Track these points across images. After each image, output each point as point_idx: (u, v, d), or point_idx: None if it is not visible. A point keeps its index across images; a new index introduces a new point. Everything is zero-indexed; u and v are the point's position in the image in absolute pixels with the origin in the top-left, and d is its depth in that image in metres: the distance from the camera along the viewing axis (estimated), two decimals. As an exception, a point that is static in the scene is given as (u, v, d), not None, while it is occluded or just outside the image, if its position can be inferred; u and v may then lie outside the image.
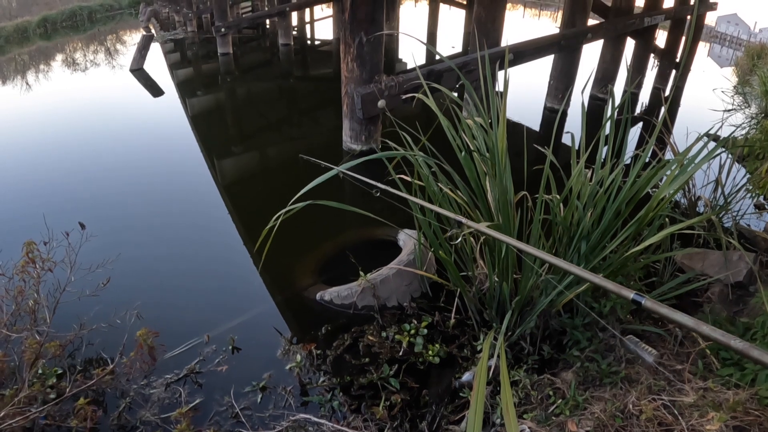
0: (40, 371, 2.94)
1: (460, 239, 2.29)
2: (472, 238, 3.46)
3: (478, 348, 3.21)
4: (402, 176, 3.19)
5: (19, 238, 3.08)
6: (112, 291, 3.33)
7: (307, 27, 20.23)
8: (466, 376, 3.02)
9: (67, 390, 2.81)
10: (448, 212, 2.27)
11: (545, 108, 9.14)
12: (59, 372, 3.03)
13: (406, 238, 4.11)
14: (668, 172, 2.99)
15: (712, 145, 3.11)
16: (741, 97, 9.44)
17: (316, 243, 4.59)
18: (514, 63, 7.22)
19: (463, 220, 2.10)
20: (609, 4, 9.45)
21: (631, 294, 1.44)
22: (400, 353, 3.27)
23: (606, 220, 2.97)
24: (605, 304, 3.03)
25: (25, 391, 2.67)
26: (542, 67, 9.05)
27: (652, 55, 10.79)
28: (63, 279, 3.06)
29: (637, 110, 9.56)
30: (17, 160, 7.13)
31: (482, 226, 2.10)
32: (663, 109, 3.30)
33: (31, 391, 2.71)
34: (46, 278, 3.06)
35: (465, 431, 2.59)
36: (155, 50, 15.02)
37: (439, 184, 3.28)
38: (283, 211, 2.73)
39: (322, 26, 20.20)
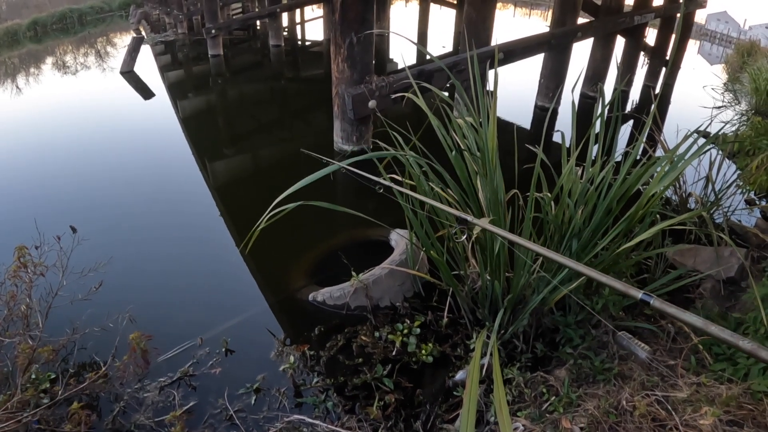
0: (33, 376, 2.92)
1: (464, 237, 2.18)
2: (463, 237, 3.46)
3: (471, 347, 3.21)
4: (393, 176, 3.19)
5: (10, 243, 3.06)
6: (104, 294, 3.30)
7: (298, 28, 20.22)
8: (459, 375, 3.02)
9: (60, 393, 2.79)
10: (452, 209, 2.15)
11: (536, 107, 9.17)
12: (52, 377, 3.01)
13: (398, 238, 4.11)
14: (658, 169, 3.01)
15: (702, 141, 3.13)
16: (731, 94, 9.51)
17: (309, 244, 4.58)
18: (504, 62, 7.24)
19: (470, 218, 1.98)
20: (599, 2, 9.48)
21: (639, 294, 1.39)
22: (394, 353, 3.26)
23: (597, 217, 2.98)
24: (597, 301, 3.04)
25: (18, 396, 2.65)
26: (532, 66, 9.07)
27: (642, 53, 10.85)
28: (55, 283, 3.03)
29: (628, 108, 9.60)
30: (7, 163, 7.08)
31: (488, 224, 1.96)
32: (653, 107, 3.31)
33: (24, 396, 2.70)
34: (38, 283, 3.03)
35: (459, 430, 2.59)
36: (146, 52, 14.96)
37: (430, 183, 3.29)
38: (274, 210, 2.72)
39: (313, 27, 20.18)
